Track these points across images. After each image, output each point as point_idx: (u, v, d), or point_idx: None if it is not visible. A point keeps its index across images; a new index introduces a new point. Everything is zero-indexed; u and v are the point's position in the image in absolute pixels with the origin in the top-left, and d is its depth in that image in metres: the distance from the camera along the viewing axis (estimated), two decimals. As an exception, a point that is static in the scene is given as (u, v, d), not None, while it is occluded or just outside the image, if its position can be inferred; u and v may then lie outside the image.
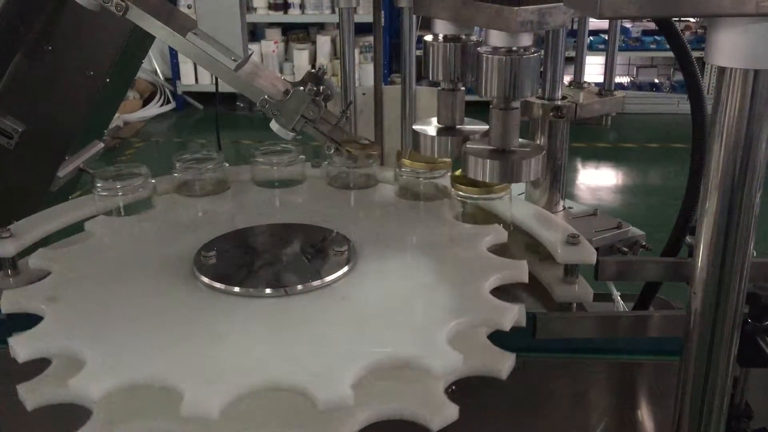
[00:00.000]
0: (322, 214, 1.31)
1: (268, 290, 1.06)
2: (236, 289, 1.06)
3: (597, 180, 5.73)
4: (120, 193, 1.31)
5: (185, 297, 1.07)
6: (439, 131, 1.14)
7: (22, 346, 0.95)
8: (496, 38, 0.96)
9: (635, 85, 7.32)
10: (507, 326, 0.99)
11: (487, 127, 1.08)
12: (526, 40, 0.96)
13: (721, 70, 0.79)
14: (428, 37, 1.10)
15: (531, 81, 0.98)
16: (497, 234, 1.21)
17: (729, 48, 0.77)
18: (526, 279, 1.10)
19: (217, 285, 1.07)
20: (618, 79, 7.38)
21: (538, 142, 1.40)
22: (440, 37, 1.08)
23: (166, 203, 1.38)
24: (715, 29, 0.77)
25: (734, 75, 0.78)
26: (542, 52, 1.05)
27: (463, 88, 1.13)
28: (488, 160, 1.02)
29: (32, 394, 0.91)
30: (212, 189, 1.41)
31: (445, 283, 1.08)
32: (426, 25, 1.15)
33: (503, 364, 0.95)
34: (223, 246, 1.18)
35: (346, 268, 1.11)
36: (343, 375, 0.87)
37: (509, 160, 1.01)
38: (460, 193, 1.27)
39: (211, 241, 1.19)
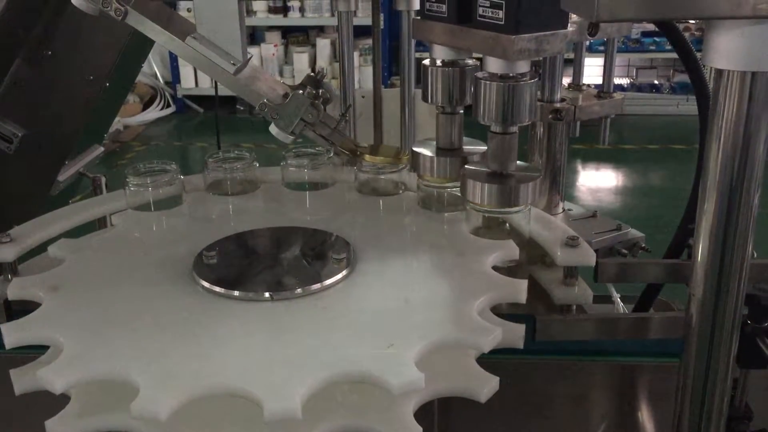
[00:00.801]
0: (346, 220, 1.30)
1: (250, 294, 1.05)
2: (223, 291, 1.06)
3: (597, 181, 5.73)
4: (150, 188, 1.33)
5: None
6: (438, 152, 1.15)
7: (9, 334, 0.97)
8: (494, 65, 0.97)
9: (635, 87, 7.32)
10: (486, 349, 0.94)
11: (485, 147, 1.09)
12: (524, 66, 0.97)
13: (719, 73, 0.79)
14: (426, 62, 1.12)
15: (529, 106, 0.99)
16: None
17: (726, 50, 0.77)
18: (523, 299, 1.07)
19: (209, 286, 1.07)
20: (618, 81, 7.39)
21: (537, 145, 1.40)
22: (438, 61, 1.09)
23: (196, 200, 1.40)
24: (712, 32, 0.77)
25: (732, 77, 0.78)
26: (539, 78, 1.06)
27: (461, 111, 1.14)
28: (486, 185, 1.03)
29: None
30: (242, 188, 1.42)
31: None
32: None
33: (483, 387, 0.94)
34: (223, 248, 1.18)
35: (336, 277, 1.08)
36: (294, 387, 0.84)
37: (507, 185, 1.03)
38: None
39: (213, 243, 1.19)
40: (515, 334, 0.99)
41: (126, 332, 0.97)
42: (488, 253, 1.11)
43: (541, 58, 1.29)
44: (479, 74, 1.00)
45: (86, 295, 1.07)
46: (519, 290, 1.03)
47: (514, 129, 1.01)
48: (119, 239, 1.26)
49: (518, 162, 1.05)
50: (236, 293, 1.04)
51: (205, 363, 0.90)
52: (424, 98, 1.13)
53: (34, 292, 1.06)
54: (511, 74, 0.96)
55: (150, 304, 1.04)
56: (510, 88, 0.96)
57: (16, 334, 0.97)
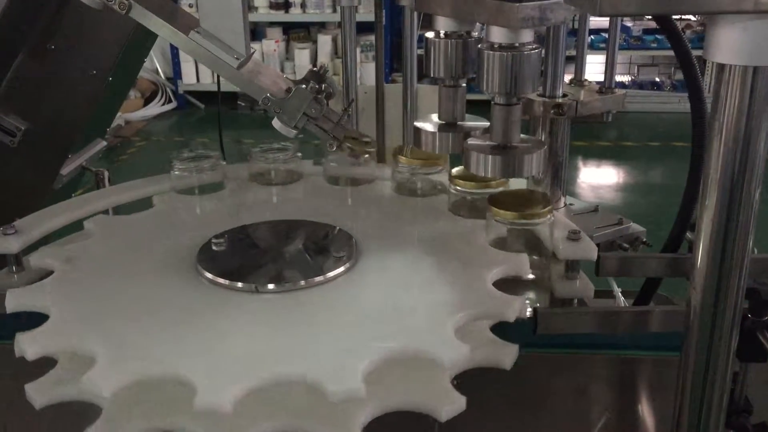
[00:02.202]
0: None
1: (239, 284, 1.07)
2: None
3: (599, 178, 5.73)
4: (195, 173, 1.40)
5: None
6: (440, 127, 1.15)
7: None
8: (497, 34, 0.96)
9: (636, 84, 7.32)
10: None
11: (488, 123, 1.09)
12: (527, 36, 0.96)
13: (721, 67, 0.79)
14: (429, 34, 1.11)
15: (532, 77, 0.98)
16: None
17: (728, 45, 0.77)
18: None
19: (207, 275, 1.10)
20: (619, 78, 7.38)
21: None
22: (441, 33, 1.08)
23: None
24: (714, 26, 0.78)
25: (733, 72, 0.79)
26: (543, 49, 1.05)
27: (464, 85, 1.14)
28: (490, 156, 1.03)
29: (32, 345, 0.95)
30: (284, 179, 1.47)
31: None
32: (427, 25, 1.15)
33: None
34: (233, 238, 1.21)
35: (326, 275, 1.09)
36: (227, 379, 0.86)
37: (511, 156, 1.02)
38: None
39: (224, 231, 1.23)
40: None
41: (115, 318, 1.00)
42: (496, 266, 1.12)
43: (544, 28, 1.28)
44: (483, 45, 0.99)
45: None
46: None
47: (518, 100, 1.01)
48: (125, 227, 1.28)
49: (522, 135, 1.05)
50: (226, 283, 1.07)
51: (157, 344, 0.94)
52: (427, 71, 1.13)
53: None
54: (514, 44, 0.96)
55: (151, 291, 1.07)
56: (514, 58, 0.96)
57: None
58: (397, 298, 1.04)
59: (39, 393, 0.94)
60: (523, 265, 1.12)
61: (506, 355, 1.00)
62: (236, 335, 0.97)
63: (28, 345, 0.94)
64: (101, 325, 0.99)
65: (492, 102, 1.03)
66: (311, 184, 1.48)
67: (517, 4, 0.91)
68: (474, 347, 0.94)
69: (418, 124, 1.17)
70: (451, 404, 0.90)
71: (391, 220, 1.31)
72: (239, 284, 1.06)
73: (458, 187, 1.30)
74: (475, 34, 1.09)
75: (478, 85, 1.02)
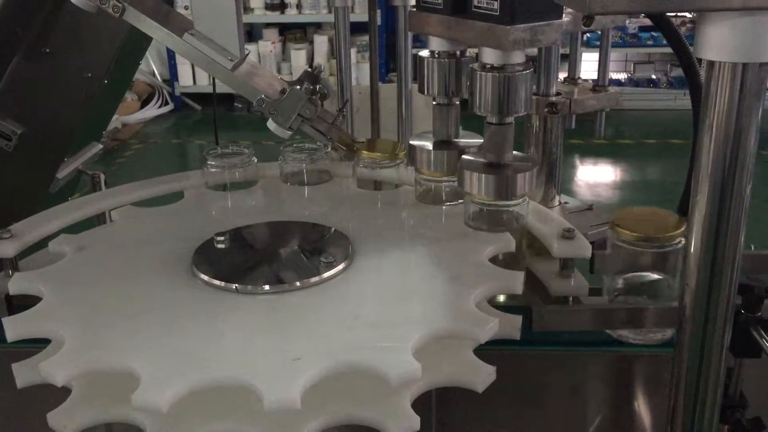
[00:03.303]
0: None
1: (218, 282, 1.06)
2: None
3: (595, 176, 5.74)
4: (227, 169, 1.42)
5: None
6: (435, 145, 1.16)
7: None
8: (489, 55, 0.98)
9: (632, 82, 7.33)
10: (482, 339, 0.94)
11: (482, 140, 1.10)
12: (519, 57, 0.97)
13: (710, 64, 0.80)
14: (422, 53, 1.12)
15: (524, 96, 1.00)
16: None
17: (717, 42, 0.78)
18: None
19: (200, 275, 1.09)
20: (615, 76, 7.40)
21: (533, 138, 1.41)
22: (435, 53, 1.09)
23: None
24: (703, 24, 0.78)
25: (723, 69, 0.79)
26: (534, 64, 1.07)
27: (457, 102, 1.15)
28: (483, 175, 1.04)
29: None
30: (315, 179, 1.45)
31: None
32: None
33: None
34: (234, 237, 1.21)
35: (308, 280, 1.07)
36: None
37: (503, 175, 1.03)
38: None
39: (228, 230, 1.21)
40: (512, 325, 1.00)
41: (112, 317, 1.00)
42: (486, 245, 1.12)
43: (536, 50, 1.30)
44: (474, 65, 1.00)
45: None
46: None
47: (510, 119, 1.02)
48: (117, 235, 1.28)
49: (515, 152, 1.06)
50: (215, 282, 1.06)
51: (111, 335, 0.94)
52: (420, 90, 1.14)
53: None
54: (506, 65, 0.97)
55: (146, 290, 1.07)
56: (505, 79, 0.97)
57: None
58: (367, 308, 1.01)
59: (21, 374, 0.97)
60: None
61: (478, 376, 0.95)
62: (190, 333, 0.96)
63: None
64: (74, 312, 1.01)
65: (485, 121, 1.04)
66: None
67: (509, 27, 0.92)
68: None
69: (413, 142, 1.18)
70: (400, 421, 0.88)
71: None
72: (221, 283, 1.06)
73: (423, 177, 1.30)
74: (469, 52, 1.10)
75: (470, 105, 1.03)
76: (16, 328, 0.97)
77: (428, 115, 1.23)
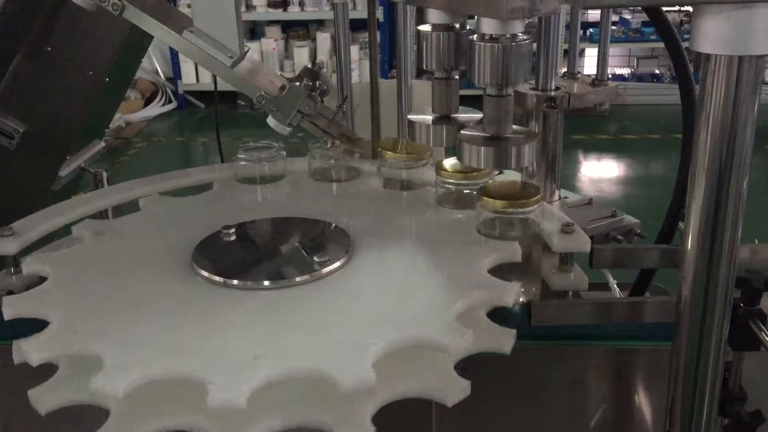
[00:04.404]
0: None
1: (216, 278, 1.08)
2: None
3: (599, 171, 5.73)
4: (258, 163, 1.46)
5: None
6: (434, 120, 1.15)
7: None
8: (488, 26, 0.97)
9: (636, 77, 7.31)
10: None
11: (482, 115, 1.09)
12: (518, 27, 0.96)
13: (707, 57, 0.80)
14: (422, 27, 1.11)
15: (523, 67, 0.98)
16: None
17: (713, 35, 0.78)
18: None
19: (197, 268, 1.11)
20: (618, 71, 7.39)
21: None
22: (433, 26, 1.09)
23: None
24: (699, 17, 0.78)
25: (719, 62, 0.79)
26: (533, 40, 1.06)
27: (457, 77, 1.14)
28: (482, 147, 1.03)
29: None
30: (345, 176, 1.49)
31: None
32: (424, 19, 1.16)
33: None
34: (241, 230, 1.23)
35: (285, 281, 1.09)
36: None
37: (503, 147, 1.02)
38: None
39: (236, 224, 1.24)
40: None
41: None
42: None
43: (535, 19, 1.28)
44: (474, 37, 1.00)
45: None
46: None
47: (510, 91, 1.01)
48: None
49: (515, 126, 1.05)
50: (207, 275, 1.09)
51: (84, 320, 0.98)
52: (420, 65, 1.13)
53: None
54: (505, 35, 0.96)
55: (144, 286, 1.08)
56: (504, 49, 0.96)
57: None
58: (348, 313, 1.02)
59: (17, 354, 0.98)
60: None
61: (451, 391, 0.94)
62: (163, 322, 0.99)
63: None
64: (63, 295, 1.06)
65: (484, 93, 1.03)
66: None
67: None
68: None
69: (412, 117, 1.17)
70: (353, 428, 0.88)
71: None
72: (215, 277, 1.08)
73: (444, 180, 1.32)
74: (468, 26, 1.09)
75: (470, 77, 1.02)
76: (14, 307, 1.03)
77: (428, 110, 1.23)
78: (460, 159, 1.08)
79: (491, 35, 0.97)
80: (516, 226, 1.21)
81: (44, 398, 0.94)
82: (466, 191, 1.32)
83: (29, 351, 0.94)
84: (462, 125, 1.11)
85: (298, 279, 1.07)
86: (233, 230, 1.21)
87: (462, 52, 1.08)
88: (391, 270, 1.13)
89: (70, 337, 0.96)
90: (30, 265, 1.18)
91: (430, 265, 1.12)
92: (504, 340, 0.99)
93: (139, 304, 1.03)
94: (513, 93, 1.01)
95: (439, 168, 1.33)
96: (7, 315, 1.03)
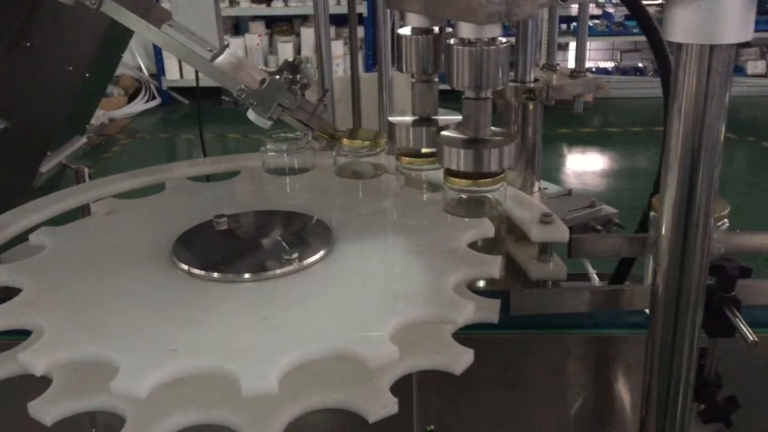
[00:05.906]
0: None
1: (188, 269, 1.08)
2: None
3: (583, 165, 5.76)
4: (285, 153, 1.43)
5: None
6: (414, 122, 1.16)
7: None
8: (465, 30, 0.98)
9: (619, 70, 7.35)
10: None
11: (461, 117, 1.10)
12: (496, 30, 0.98)
13: (678, 47, 0.81)
14: (401, 30, 1.12)
15: (501, 71, 0.99)
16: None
17: (684, 24, 0.79)
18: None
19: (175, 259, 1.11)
20: (602, 64, 7.42)
21: (512, 125, 1.42)
22: (412, 30, 1.10)
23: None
24: (671, 6, 0.79)
25: (690, 51, 0.80)
26: (512, 39, 1.07)
27: (436, 80, 1.15)
28: (461, 150, 1.04)
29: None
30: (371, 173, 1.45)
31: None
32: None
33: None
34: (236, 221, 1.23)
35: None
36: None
37: (482, 150, 1.04)
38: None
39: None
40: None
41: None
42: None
43: (513, 25, 1.29)
44: (451, 40, 1.01)
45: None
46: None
47: (488, 94, 1.02)
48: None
49: (493, 128, 1.07)
50: (182, 266, 1.09)
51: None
52: (399, 68, 1.14)
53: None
54: (482, 39, 0.97)
55: (127, 282, 1.08)
56: (481, 53, 0.97)
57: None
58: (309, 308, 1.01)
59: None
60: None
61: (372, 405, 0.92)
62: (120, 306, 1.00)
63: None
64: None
65: (462, 97, 1.04)
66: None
67: (484, 1, 0.92)
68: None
69: (392, 119, 1.18)
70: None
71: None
72: (184, 266, 1.08)
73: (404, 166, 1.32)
74: (448, 29, 1.10)
75: (448, 80, 1.03)
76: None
77: (409, 103, 1.24)
78: (440, 161, 1.09)
79: (469, 39, 0.98)
80: (481, 205, 1.21)
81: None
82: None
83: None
84: (442, 127, 1.12)
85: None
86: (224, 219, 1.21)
87: (441, 55, 1.10)
88: (374, 256, 1.14)
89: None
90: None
91: (412, 247, 1.12)
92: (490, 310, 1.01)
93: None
94: (491, 95, 1.03)
95: (398, 156, 1.33)
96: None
